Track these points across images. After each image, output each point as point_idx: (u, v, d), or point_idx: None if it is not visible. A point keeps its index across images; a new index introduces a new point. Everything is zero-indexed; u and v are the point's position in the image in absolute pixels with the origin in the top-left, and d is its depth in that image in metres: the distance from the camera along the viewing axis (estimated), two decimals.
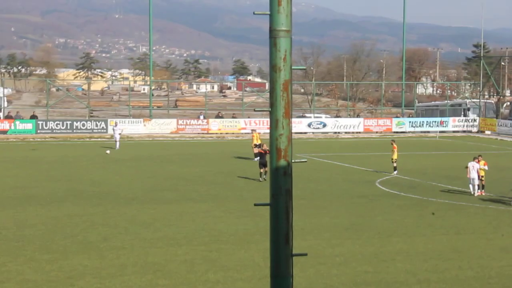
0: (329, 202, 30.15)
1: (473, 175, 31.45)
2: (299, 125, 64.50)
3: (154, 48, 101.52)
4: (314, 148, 52.61)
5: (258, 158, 41.15)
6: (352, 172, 40.00)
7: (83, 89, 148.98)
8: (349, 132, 65.62)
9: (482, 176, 31.80)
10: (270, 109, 6.36)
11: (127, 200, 29.73)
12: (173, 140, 59.87)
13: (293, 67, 6.34)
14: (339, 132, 65.73)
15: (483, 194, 31.40)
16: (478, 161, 31.97)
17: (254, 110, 7.24)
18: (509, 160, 44.37)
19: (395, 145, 39.19)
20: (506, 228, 25.05)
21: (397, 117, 71.97)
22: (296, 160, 6.49)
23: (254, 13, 6.45)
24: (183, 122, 65.30)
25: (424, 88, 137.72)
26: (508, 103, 75.36)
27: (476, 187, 31.57)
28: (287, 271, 6.49)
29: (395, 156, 38.87)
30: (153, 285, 17.48)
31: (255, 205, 6.97)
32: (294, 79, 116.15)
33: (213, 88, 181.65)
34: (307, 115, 72.44)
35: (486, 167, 31.91)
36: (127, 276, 18.13)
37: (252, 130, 50.81)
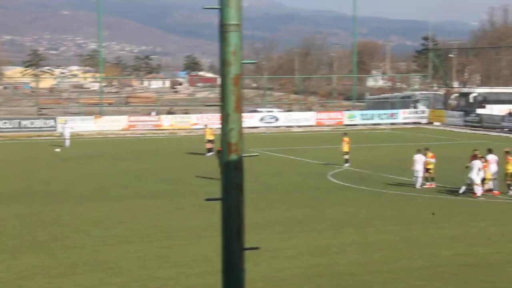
0: (282, 195, 30.26)
1: (418, 167, 31.64)
2: (251, 120, 64.57)
3: (104, 44, 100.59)
4: (266, 142, 52.72)
5: (212, 153, 41.12)
6: (304, 166, 40.20)
7: (31, 87, 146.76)
8: (301, 126, 65.93)
9: (429, 169, 32.02)
10: (221, 104, 6.33)
11: (77, 199, 29.41)
12: (125, 137, 59.41)
13: (243, 61, 6.32)
14: (291, 126, 65.99)
15: (434, 186, 31.61)
16: (426, 154, 32.25)
17: (205, 106, 7.24)
18: (457, 151, 45.06)
19: (345, 138, 39.49)
20: (456, 217, 25.45)
21: (348, 110, 72.54)
22: (248, 154, 6.48)
23: (203, 8, 6.41)
24: (134, 118, 64.84)
25: (375, 81, 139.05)
26: (456, 94, 76.47)
27: (420, 179, 31.63)
28: (239, 265, 6.47)
29: (346, 149, 39.17)
30: (104, 283, 17.33)
31: (206, 200, 6.95)
32: (245, 74, 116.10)
33: (164, 84, 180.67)
34: (259, 109, 72.56)
35: (433, 160, 32.19)
36: (78, 275, 17.94)
37: (204, 125, 50.70)
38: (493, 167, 30.18)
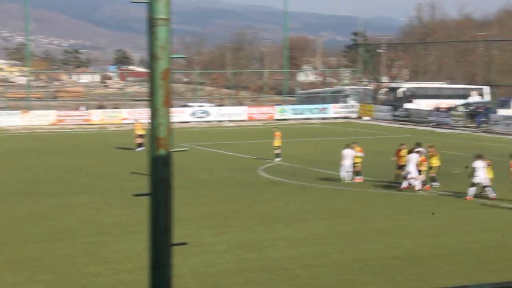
0: (213, 190, 30.21)
1: (347, 162, 31.91)
2: (182, 115, 64.25)
3: (31, 38, 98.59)
4: (197, 137, 52.56)
5: (142, 148, 40.80)
6: (236, 160, 40.24)
7: None
8: (232, 121, 65.95)
9: (356, 163, 32.38)
10: (149, 99, 6.27)
11: (3, 195, 28.73)
12: (53, 132, 58.35)
13: (172, 56, 6.26)
14: (222, 121, 65.97)
15: (361, 180, 31.85)
16: (353, 148, 32.55)
17: (133, 100, 7.14)
18: (386, 145, 45.76)
19: (277, 133, 39.66)
20: (384, 211, 25.87)
21: (279, 105, 72.90)
22: (176, 149, 6.42)
23: (131, 2, 6.32)
24: (63, 113, 63.74)
25: (306, 75, 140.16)
26: (385, 89, 77.71)
27: (350, 173, 31.84)
28: (167, 261, 6.42)
29: (277, 143, 39.35)
30: (31, 281, 16.98)
31: (134, 195, 6.86)
32: (176, 68, 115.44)
33: (94, 78, 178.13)
34: (190, 104, 72.27)
35: (361, 154, 32.55)
36: (2, 274, 17.52)
37: (135, 120, 50.20)
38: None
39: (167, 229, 6.39)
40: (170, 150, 6.34)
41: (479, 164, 27.58)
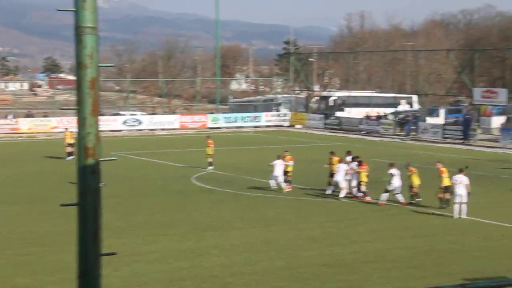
0: (145, 199, 29.99)
1: (278, 172, 31.71)
2: (114, 123, 63.62)
3: None
4: (129, 146, 52.10)
5: (73, 157, 40.21)
6: (168, 169, 40.03)
7: None
8: (165, 129, 65.60)
9: (288, 172, 32.47)
10: (77, 108, 6.20)
11: None
12: None
13: (100, 65, 6.21)
14: (155, 129, 65.56)
15: (291, 189, 31.84)
16: (284, 157, 32.74)
17: (61, 109, 7.04)
18: (318, 153, 46.22)
19: (210, 141, 39.65)
20: (315, 218, 26.10)
21: (212, 113, 72.87)
22: (105, 159, 6.36)
23: (58, 10, 6.26)
24: None
25: (239, 84, 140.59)
26: (317, 97, 78.52)
27: (280, 182, 31.83)
28: (96, 271, 6.34)
29: (210, 152, 39.32)
30: None
31: (61, 205, 6.76)
32: (108, 77, 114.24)
33: (22, 86, 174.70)
34: (122, 112, 71.58)
35: (291, 162, 32.67)
36: None
37: (65, 128, 49.44)
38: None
39: (96, 239, 6.32)
40: (99, 160, 6.29)
41: (394, 172, 28.30)
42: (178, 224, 24.81)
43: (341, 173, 29.87)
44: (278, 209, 27.91)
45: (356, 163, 30.51)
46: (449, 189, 27.22)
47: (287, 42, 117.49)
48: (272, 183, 31.76)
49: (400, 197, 28.19)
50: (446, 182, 27.39)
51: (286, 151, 33.71)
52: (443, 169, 27.83)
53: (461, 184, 25.94)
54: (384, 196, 28.23)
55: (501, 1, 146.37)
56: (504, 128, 54.29)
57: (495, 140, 54.02)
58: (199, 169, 38.92)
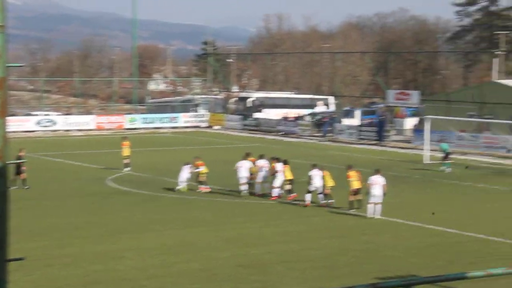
0: (59, 201, 29.42)
1: (185, 175, 31.95)
2: (26, 123, 62.21)
3: None
4: (43, 147, 51.02)
5: None
6: (84, 170, 39.39)
7: None
8: (80, 130, 64.52)
9: (201, 174, 32.37)
10: None
11: None
12: None
13: (8, 65, 6.03)
14: (70, 130, 64.40)
15: (208, 189, 31.95)
16: (194, 163, 32.58)
17: None
18: (236, 154, 46.30)
19: (125, 142, 39.20)
20: (232, 219, 26.15)
21: (129, 113, 72.09)
22: (13, 161, 6.18)
23: None
24: None
25: (157, 84, 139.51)
26: (235, 98, 78.72)
27: (183, 184, 31.90)
28: (2, 276, 6.17)
29: (126, 153, 38.88)
30: None
31: None
32: (20, 76, 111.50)
33: None
34: (35, 112, 70.03)
35: (202, 168, 32.53)
36: None
37: None
38: (264, 173, 31.26)
39: (3, 244, 6.15)
40: (6, 162, 6.12)
41: (314, 173, 28.73)
42: (93, 227, 24.43)
43: (244, 169, 30.97)
44: (195, 210, 27.84)
45: (281, 163, 30.78)
46: (359, 191, 27.71)
47: (205, 43, 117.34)
48: (179, 186, 31.88)
49: (320, 198, 28.48)
50: (355, 185, 27.84)
51: (197, 157, 33.59)
52: (351, 173, 28.26)
53: (377, 185, 26.43)
54: (308, 196, 28.50)
55: (414, 5, 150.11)
56: (416, 130, 55.67)
57: (408, 141, 55.31)
58: (115, 170, 38.42)
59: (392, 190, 30.27)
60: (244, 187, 31.19)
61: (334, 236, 23.66)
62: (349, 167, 28.90)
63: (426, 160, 43.50)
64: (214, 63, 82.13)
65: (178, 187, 31.93)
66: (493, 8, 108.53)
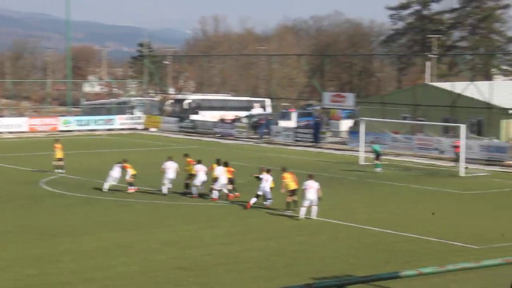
0: None
1: (115, 174, 32.12)
2: None
3: None
4: None
5: None
6: (16, 174, 38.58)
7: None
8: (13, 132, 63.19)
9: (132, 175, 32.33)
10: None
11: None
12: None
13: None
14: (1, 132, 63.02)
15: (133, 191, 31.91)
16: (123, 166, 32.52)
17: None
18: (172, 156, 46.04)
19: (57, 145, 38.65)
20: (170, 221, 25.97)
21: (63, 116, 70.98)
22: None
23: None
24: None
25: (92, 86, 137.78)
26: (172, 101, 78.28)
27: (107, 184, 32.10)
28: None
29: (59, 155, 38.28)
30: None
31: None
32: None
33: None
34: None
35: (129, 171, 32.27)
36: None
37: None
38: (202, 176, 31.22)
39: None
40: None
41: (265, 177, 28.81)
42: (26, 230, 23.94)
43: (172, 170, 31.57)
44: (132, 213, 27.56)
45: (221, 166, 30.82)
46: (295, 192, 27.91)
47: (141, 45, 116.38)
48: (105, 186, 32.03)
49: (268, 203, 28.57)
50: (291, 186, 28.04)
51: (125, 160, 33.32)
52: (285, 174, 28.45)
53: (312, 189, 26.63)
54: (253, 200, 28.52)
55: (349, 9, 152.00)
56: (352, 132, 56.33)
57: (344, 143, 55.93)
58: (49, 173, 37.75)
59: (328, 191, 30.56)
60: (165, 189, 31.44)
61: (272, 237, 23.73)
62: (284, 169, 29.08)
63: (362, 161, 44.05)
64: (150, 65, 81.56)
65: (105, 187, 31.79)
66: (425, 12, 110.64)
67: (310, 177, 27.36)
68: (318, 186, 26.87)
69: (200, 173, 31.17)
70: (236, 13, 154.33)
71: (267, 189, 28.61)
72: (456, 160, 42.12)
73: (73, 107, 77.37)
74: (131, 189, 31.98)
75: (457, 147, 42.21)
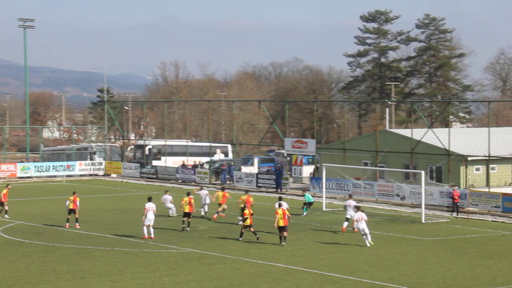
0: None
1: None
2: None
3: None
4: None
5: None
6: None
7: None
8: None
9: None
10: None
11: None
12: None
13: None
14: None
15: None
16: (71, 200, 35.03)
17: None
18: (133, 202, 45.63)
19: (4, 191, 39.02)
20: (131, 269, 25.58)
21: (22, 162, 70.05)
22: None
23: None
24: None
25: (51, 132, 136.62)
26: (132, 146, 77.85)
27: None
28: None
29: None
30: None
31: None
32: None
33: None
34: None
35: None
36: None
37: None
38: (150, 215, 31.61)
39: None
40: None
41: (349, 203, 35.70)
42: None
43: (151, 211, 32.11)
44: (93, 260, 27.09)
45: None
46: (285, 229, 30.78)
47: (101, 90, 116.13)
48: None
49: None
50: (280, 223, 30.80)
51: (74, 192, 35.90)
52: (278, 210, 31.39)
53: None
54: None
55: (308, 56, 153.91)
56: (313, 177, 56.46)
57: (306, 189, 55.94)
58: (7, 221, 37.04)
59: (291, 237, 30.50)
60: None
61: (235, 284, 23.47)
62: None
63: (324, 208, 44.08)
64: (110, 110, 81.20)
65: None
66: (383, 60, 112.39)
67: (358, 208, 32.70)
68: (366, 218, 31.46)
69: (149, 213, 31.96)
70: (196, 59, 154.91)
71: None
72: (456, 210, 42.56)
73: (32, 153, 76.49)
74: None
75: (455, 198, 42.65)
